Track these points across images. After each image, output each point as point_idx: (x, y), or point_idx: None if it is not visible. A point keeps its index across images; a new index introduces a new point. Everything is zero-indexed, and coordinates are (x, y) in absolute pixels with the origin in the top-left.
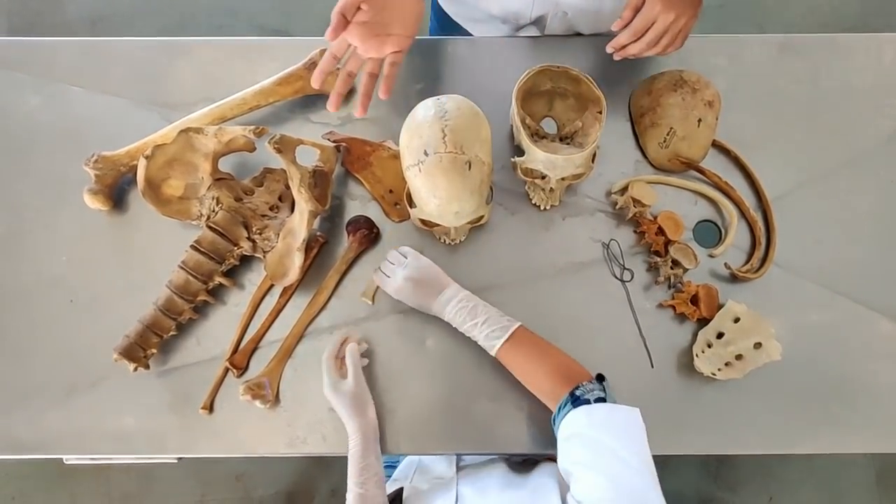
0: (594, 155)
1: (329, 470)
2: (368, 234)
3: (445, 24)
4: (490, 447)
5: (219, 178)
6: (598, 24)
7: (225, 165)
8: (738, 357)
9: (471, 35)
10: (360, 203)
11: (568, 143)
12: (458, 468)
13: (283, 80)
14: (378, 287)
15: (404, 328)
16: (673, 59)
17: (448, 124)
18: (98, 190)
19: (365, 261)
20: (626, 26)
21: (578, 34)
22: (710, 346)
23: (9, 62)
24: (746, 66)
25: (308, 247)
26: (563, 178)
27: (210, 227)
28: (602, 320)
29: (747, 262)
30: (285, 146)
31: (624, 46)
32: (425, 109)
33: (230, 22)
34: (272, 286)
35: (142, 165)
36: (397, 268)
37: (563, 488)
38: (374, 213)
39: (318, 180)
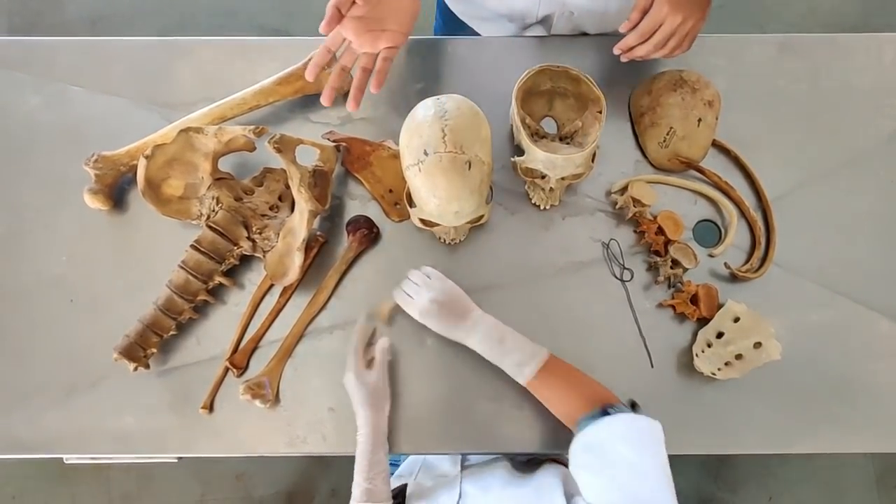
0: (594, 155)
1: (329, 470)
2: (368, 234)
3: (451, 23)
4: (490, 447)
5: (219, 178)
6: (604, 24)
7: (225, 165)
8: (738, 357)
9: (476, 34)
10: (360, 203)
11: (568, 143)
12: (463, 467)
13: (283, 79)
14: (392, 307)
15: (404, 328)
16: (673, 59)
17: (448, 124)
18: (98, 190)
19: (365, 260)
20: (633, 28)
21: (584, 34)
22: (709, 345)
23: (9, 62)
24: (746, 66)
25: (308, 246)
26: (562, 178)
27: (210, 227)
28: (602, 320)
29: (747, 261)
30: (285, 146)
31: (631, 48)
32: (425, 109)
33: (230, 22)
34: (272, 286)
35: (142, 165)
36: (422, 289)
37: (568, 489)
38: (373, 212)
39: (317, 180)
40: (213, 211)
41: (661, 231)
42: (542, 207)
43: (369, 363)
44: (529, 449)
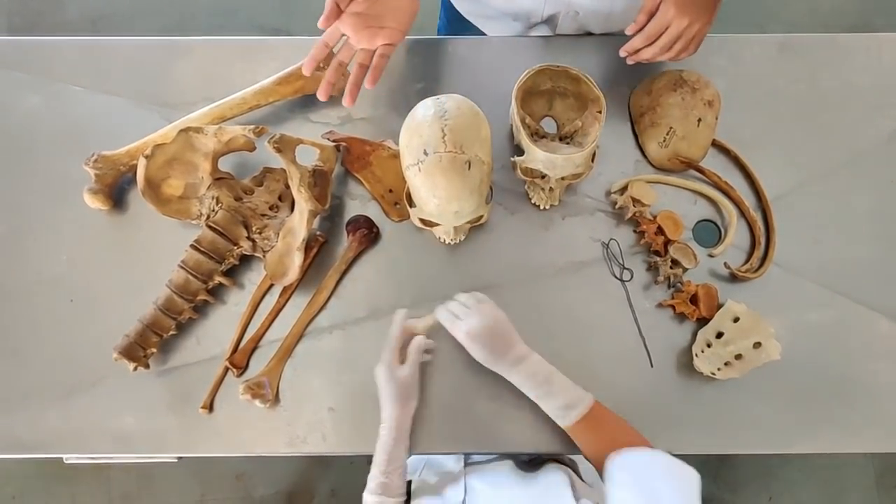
0: (594, 154)
1: (329, 470)
2: (368, 234)
3: (455, 22)
4: (490, 447)
5: (219, 178)
6: (610, 24)
7: (225, 165)
8: (738, 357)
9: (480, 33)
10: (359, 202)
11: (568, 143)
12: (466, 464)
13: (283, 79)
14: (433, 324)
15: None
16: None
17: (448, 124)
18: (98, 189)
19: (365, 260)
20: (639, 31)
21: (589, 34)
22: (709, 345)
23: (9, 62)
24: (746, 66)
25: (308, 246)
26: (562, 178)
27: (210, 227)
28: (602, 320)
29: (747, 261)
30: (285, 146)
31: (637, 51)
32: (425, 109)
33: (230, 21)
34: (272, 286)
35: (141, 165)
36: (473, 312)
37: (575, 491)
38: (373, 212)
39: (317, 180)
40: (213, 211)
41: (660, 231)
42: (541, 207)
43: (403, 358)
44: (529, 449)
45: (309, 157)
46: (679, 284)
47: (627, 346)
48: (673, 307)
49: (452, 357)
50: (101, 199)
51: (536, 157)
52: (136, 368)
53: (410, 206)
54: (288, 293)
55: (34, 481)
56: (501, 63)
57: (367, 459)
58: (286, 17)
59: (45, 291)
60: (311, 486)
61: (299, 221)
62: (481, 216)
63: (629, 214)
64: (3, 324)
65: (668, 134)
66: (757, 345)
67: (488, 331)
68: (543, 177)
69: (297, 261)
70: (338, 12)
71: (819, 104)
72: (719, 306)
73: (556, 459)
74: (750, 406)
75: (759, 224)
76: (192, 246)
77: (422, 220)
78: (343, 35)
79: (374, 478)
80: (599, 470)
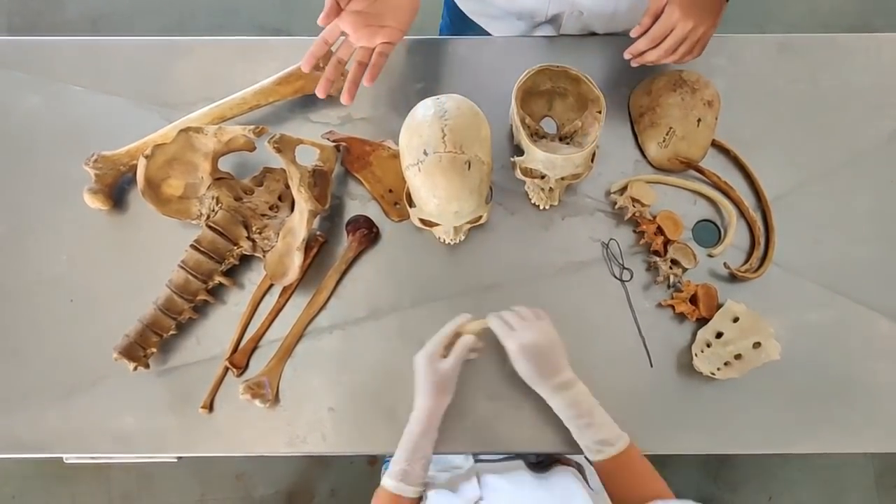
0: (593, 155)
1: (329, 470)
2: (368, 234)
3: (458, 22)
4: (489, 446)
5: (218, 178)
6: (614, 24)
7: (225, 165)
8: (738, 357)
9: (483, 32)
10: (359, 203)
11: (567, 143)
12: (476, 461)
13: (283, 79)
14: (483, 329)
15: (404, 328)
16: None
17: (448, 124)
18: (98, 189)
19: (364, 260)
20: (644, 33)
21: (593, 34)
22: (709, 345)
23: (9, 62)
24: (746, 66)
25: (308, 246)
26: (562, 178)
27: (210, 227)
28: (601, 320)
29: (746, 261)
30: (285, 146)
31: (642, 53)
32: (425, 109)
33: (230, 21)
34: (272, 285)
35: (141, 165)
36: (530, 325)
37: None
38: (373, 212)
39: (317, 180)
40: (213, 211)
41: (660, 231)
42: (541, 207)
43: (447, 353)
44: (529, 448)
45: (309, 157)
46: (679, 284)
47: (627, 346)
48: (672, 307)
49: None
50: (101, 199)
51: (536, 157)
52: (136, 368)
53: (410, 206)
54: (288, 293)
55: (34, 481)
56: (502, 63)
57: (367, 459)
58: (286, 16)
59: (45, 291)
60: (311, 486)
61: (299, 221)
62: (481, 216)
63: (629, 214)
64: (3, 324)
65: (667, 134)
66: (756, 345)
67: (540, 349)
68: (543, 177)
69: (297, 261)
70: (338, 10)
71: (819, 104)
72: (719, 306)
73: (562, 461)
74: (750, 406)
75: (759, 224)
76: (192, 246)
77: (422, 220)
78: (343, 33)
79: (397, 463)
80: None
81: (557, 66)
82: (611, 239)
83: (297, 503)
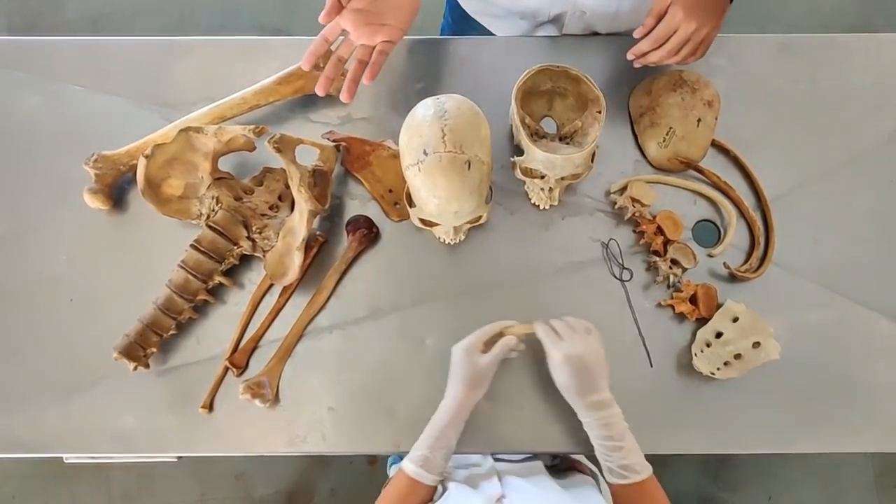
0: (593, 154)
1: (329, 469)
2: (368, 234)
3: (460, 21)
4: (489, 447)
5: (218, 178)
6: (616, 24)
7: (225, 165)
8: (737, 356)
9: (485, 32)
10: (359, 202)
11: (567, 143)
12: (495, 460)
13: (283, 79)
14: (527, 333)
15: (404, 328)
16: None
17: (448, 124)
18: (98, 189)
19: (364, 260)
20: (647, 34)
21: (595, 34)
22: (708, 345)
23: (9, 62)
24: (746, 66)
25: (308, 246)
26: (562, 178)
27: (210, 227)
28: (601, 320)
29: (746, 261)
30: (285, 145)
31: (645, 54)
32: (425, 109)
33: (230, 21)
34: (272, 285)
35: (141, 165)
36: (578, 337)
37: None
38: (373, 212)
39: (317, 180)
40: (213, 210)
41: (660, 231)
42: (541, 207)
43: (487, 349)
44: (529, 449)
45: (309, 157)
46: (678, 284)
47: (627, 346)
48: (672, 307)
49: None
50: (101, 199)
51: (536, 157)
52: (136, 368)
53: (410, 206)
54: (288, 293)
55: (33, 481)
56: (502, 63)
57: (367, 459)
58: (287, 16)
59: (45, 291)
60: (311, 486)
61: (299, 221)
62: (481, 216)
63: (629, 214)
64: (3, 324)
65: (667, 134)
66: (756, 345)
67: (585, 363)
68: (543, 177)
69: (296, 261)
70: (339, 8)
71: (819, 104)
72: (719, 306)
73: (575, 467)
74: (750, 406)
75: (759, 224)
76: (192, 246)
77: (422, 220)
78: (343, 31)
79: (419, 448)
80: None
81: (557, 66)
82: (611, 239)
83: (297, 503)
